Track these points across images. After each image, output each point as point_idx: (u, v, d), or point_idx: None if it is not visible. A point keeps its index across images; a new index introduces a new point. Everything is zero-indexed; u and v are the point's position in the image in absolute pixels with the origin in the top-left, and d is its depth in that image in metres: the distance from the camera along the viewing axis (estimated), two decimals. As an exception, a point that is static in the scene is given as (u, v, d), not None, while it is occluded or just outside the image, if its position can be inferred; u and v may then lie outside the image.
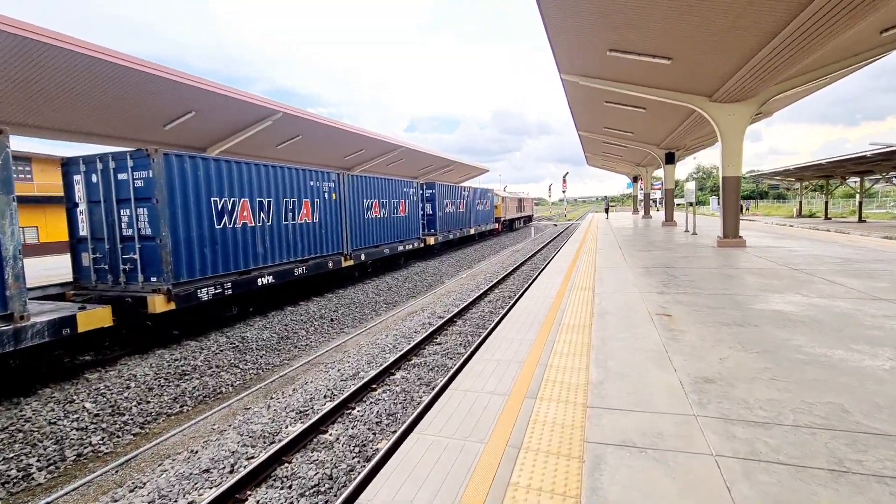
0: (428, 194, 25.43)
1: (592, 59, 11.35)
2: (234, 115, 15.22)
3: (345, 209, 15.87)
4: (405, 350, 9.08)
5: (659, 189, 41.31)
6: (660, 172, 34.61)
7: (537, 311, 7.54)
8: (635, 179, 40.54)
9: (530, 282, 15.08)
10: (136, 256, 9.44)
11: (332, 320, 12.53)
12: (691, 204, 17.80)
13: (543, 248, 26.59)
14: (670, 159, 22.22)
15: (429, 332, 10.33)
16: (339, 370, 8.60)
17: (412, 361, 8.84)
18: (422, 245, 22.76)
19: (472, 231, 31.65)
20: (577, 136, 25.08)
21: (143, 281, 9.45)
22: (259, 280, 11.97)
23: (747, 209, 50.84)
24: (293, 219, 13.42)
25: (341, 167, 25.05)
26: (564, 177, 54.40)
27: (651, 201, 46.98)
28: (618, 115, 17.82)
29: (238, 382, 8.68)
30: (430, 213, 25.57)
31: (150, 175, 9.25)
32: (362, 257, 16.80)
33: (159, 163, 9.28)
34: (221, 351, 9.69)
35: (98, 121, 13.48)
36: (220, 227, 10.87)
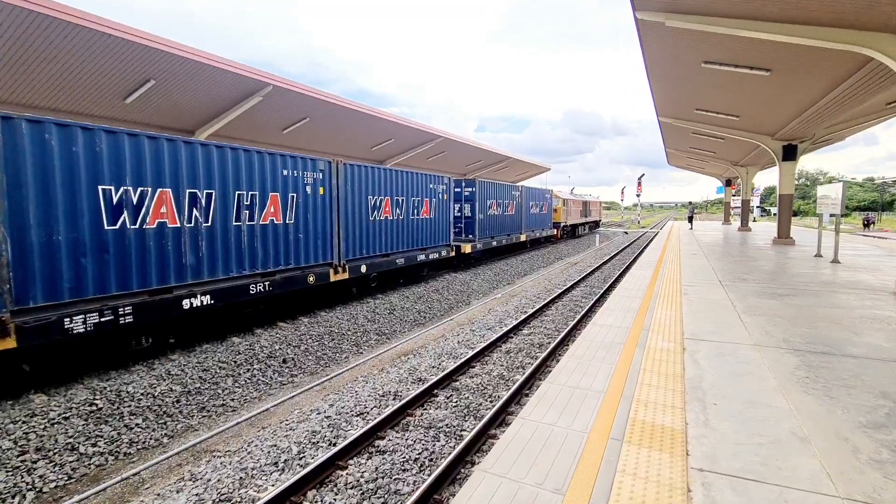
0: (467, 193, 21.55)
1: None
2: (206, 87, 12.26)
3: (338, 208, 12.34)
4: (340, 448, 5.29)
5: (757, 195, 34.28)
6: (761, 175, 28.10)
7: (577, 406, 3.35)
8: (728, 183, 33.88)
9: (576, 321, 10.68)
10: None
11: (283, 361, 9.03)
12: (834, 216, 12.36)
13: (607, 262, 21.65)
14: (790, 154, 16.58)
15: (399, 405, 6.43)
16: (206, 486, 4.96)
17: (344, 476, 5.02)
18: (452, 253, 18.83)
19: (524, 237, 27.27)
20: (654, 133, 19.93)
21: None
22: (186, 301, 8.69)
23: (872, 223, 41.72)
24: (252, 219, 10.05)
25: (368, 159, 21.77)
26: (640, 179, 48.21)
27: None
28: (720, 89, 12.83)
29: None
30: (469, 215, 21.68)
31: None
32: (362, 269, 13.19)
33: (-10, 127, 6.16)
34: (62, 421, 6.37)
35: (44, 91, 10.98)
36: (116, 227, 7.65)
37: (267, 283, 10.42)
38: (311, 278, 11.56)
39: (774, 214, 73.68)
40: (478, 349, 8.89)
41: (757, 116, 15.02)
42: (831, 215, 12.81)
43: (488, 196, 22.72)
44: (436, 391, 7.20)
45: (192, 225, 8.91)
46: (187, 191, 8.83)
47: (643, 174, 48.53)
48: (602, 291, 13.51)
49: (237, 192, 9.74)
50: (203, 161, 9.13)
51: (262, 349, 9.23)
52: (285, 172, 10.97)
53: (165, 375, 7.80)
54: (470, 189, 21.44)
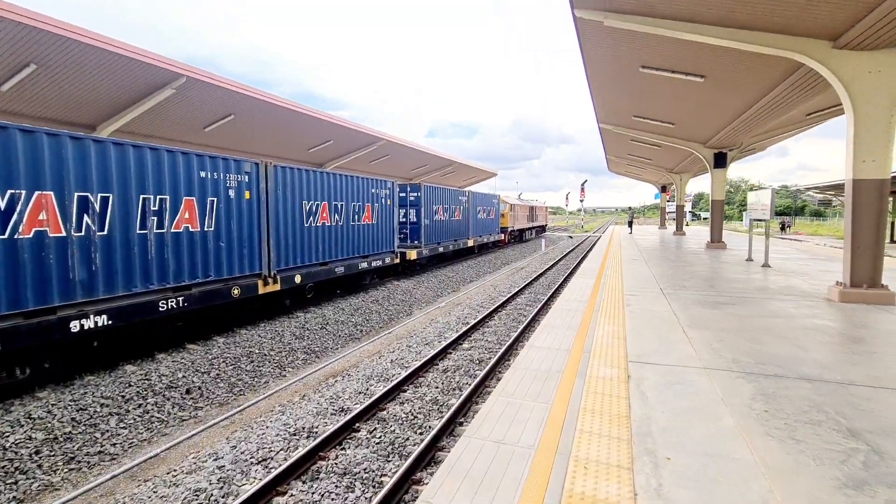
0: (412, 198, 20.63)
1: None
2: (104, 76, 10.57)
3: (268, 213, 11.05)
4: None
5: (689, 200, 35.60)
6: (693, 182, 29.12)
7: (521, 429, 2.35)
8: (664, 189, 34.99)
9: (524, 327, 9.98)
10: None
11: (186, 392, 7.67)
12: (759, 221, 12.42)
13: (553, 266, 21.36)
14: (720, 161, 16.88)
15: (310, 447, 5.34)
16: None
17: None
18: (396, 260, 17.78)
19: (471, 243, 26.64)
20: (596, 141, 19.91)
21: None
22: (75, 324, 7.20)
23: (789, 227, 44.64)
24: (161, 226, 8.68)
25: (306, 162, 20.31)
26: (582, 185, 49.19)
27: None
28: (656, 96, 12.67)
29: None
30: (414, 220, 20.75)
31: None
32: (296, 279, 11.92)
33: None
34: None
35: None
36: None
37: (180, 299, 9.03)
38: (236, 291, 10.23)
39: (705, 219, 77.99)
40: (412, 369, 7.93)
41: (691, 124, 15.09)
42: (755, 220, 12.96)
43: (435, 201, 21.87)
44: (358, 424, 6.16)
45: (83, 234, 7.47)
46: (76, 194, 7.39)
47: (586, 180, 49.64)
48: (546, 299, 12.96)
49: (142, 196, 8.36)
50: (97, 160, 7.68)
51: (160, 378, 7.81)
52: (203, 174, 9.62)
53: (24, 420, 6.27)
54: (415, 194, 20.52)
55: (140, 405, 7.12)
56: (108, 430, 6.51)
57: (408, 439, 5.84)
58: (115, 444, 6.30)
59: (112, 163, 7.87)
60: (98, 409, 6.83)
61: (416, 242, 20.35)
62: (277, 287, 11.30)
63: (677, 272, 11.27)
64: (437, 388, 7.42)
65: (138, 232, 8.24)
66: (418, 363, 8.27)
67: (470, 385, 7.28)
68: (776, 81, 9.91)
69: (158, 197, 8.62)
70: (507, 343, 9.07)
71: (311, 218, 12.63)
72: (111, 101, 11.43)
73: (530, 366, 4.65)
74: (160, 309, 8.59)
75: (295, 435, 6.00)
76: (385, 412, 6.59)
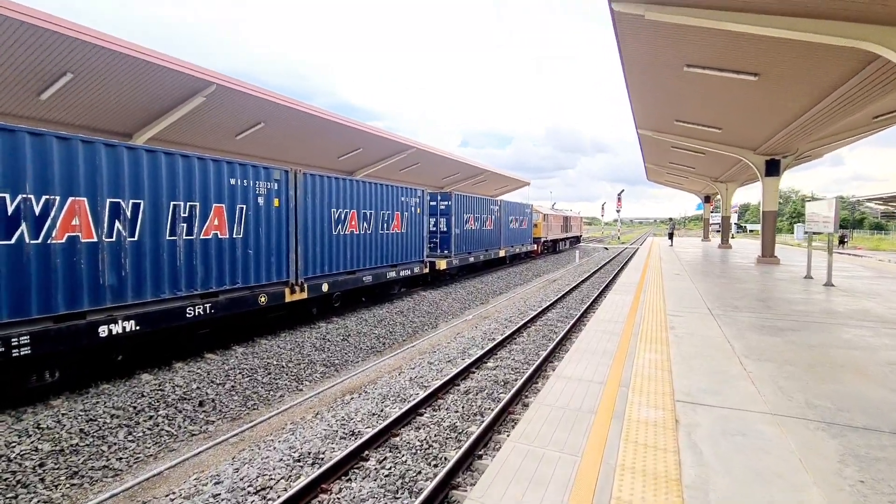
0: (443, 206, 20.10)
1: None
2: (136, 84, 10.64)
3: (296, 221, 10.83)
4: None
5: (735, 212, 33.45)
6: (738, 192, 27.20)
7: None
8: (707, 199, 32.99)
9: (550, 349, 9.16)
10: None
11: (199, 404, 7.34)
12: (814, 234, 11.08)
13: (587, 279, 20.27)
14: (773, 169, 15.44)
15: (312, 476, 4.80)
16: None
17: None
18: (425, 270, 17.25)
19: (502, 253, 25.81)
20: (633, 150, 18.83)
21: None
22: (103, 328, 7.14)
23: (846, 241, 41.17)
24: (190, 233, 8.58)
25: (336, 170, 20.20)
26: (619, 195, 47.47)
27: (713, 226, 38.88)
28: (702, 98, 11.64)
29: None
30: (445, 230, 20.19)
31: None
32: (323, 288, 11.59)
33: None
34: None
35: None
36: (11, 242, 6.20)
37: (208, 306, 8.87)
38: (263, 299, 9.99)
39: (751, 231, 73.55)
40: (431, 389, 7.30)
41: (740, 129, 13.85)
42: (813, 233, 11.58)
43: (465, 210, 21.28)
44: (367, 452, 5.58)
45: (114, 240, 7.40)
46: (108, 200, 7.36)
47: (623, 190, 47.77)
48: (579, 315, 12.04)
49: (172, 203, 8.25)
50: (130, 167, 7.62)
51: (175, 389, 7.51)
52: (233, 181, 9.47)
53: (33, 430, 6.06)
54: (446, 203, 19.99)
55: (151, 417, 6.82)
56: (115, 444, 6.21)
57: (419, 472, 5.20)
58: (120, 459, 5.99)
59: (144, 170, 7.81)
60: (108, 421, 6.56)
61: (445, 252, 19.78)
62: (304, 295, 11.01)
63: (726, 290, 10.14)
64: (456, 412, 6.74)
65: (168, 238, 8.14)
66: (439, 382, 7.63)
67: (493, 410, 6.58)
68: (843, 77, 8.74)
69: (189, 203, 8.50)
70: (535, 364, 8.29)
71: (340, 226, 12.32)
72: (145, 109, 11.56)
73: (557, 402, 3.93)
74: (187, 315, 8.43)
75: (299, 461, 5.48)
76: (398, 438, 5.98)
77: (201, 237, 8.73)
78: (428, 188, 18.55)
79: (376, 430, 5.94)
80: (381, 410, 6.86)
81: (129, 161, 7.60)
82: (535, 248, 31.76)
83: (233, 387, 8.01)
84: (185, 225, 8.41)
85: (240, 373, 8.44)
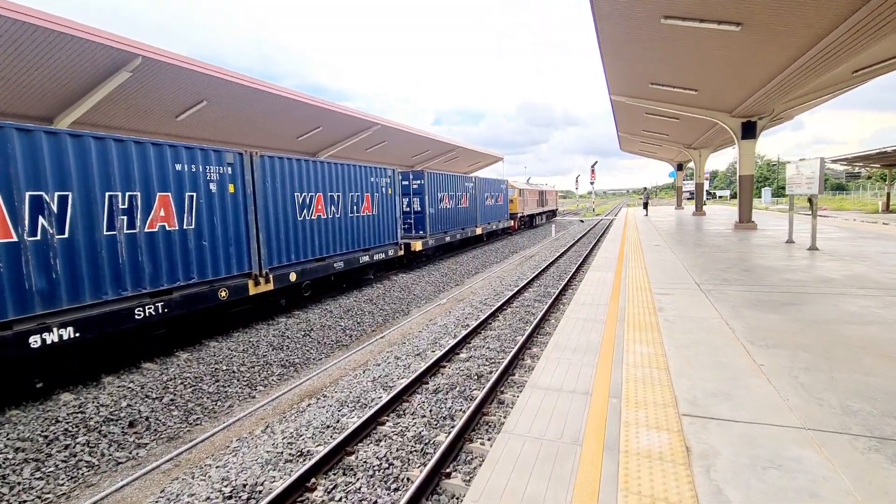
0: (415, 186, 18.92)
1: None
2: (44, 57, 9.00)
3: (255, 207, 9.67)
4: None
5: (707, 178, 33.00)
6: (714, 157, 26.61)
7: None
8: (679, 167, 32.46)
9: (527, 334, 8.27)
10: None
11: (129, 425, 6.22)
12: (809, 200, 10.36)
13: (564, 254, 19.50)
14: (749, 132, 14.67)
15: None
16: None
17: None
18: (400, 252, 16.18)
19: (479, 230, 24.85)
20: (605, 122, 17.84)
21: None
22: (35, 338, 6.31)
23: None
24: (132, 226, 7.46)
25: (297, 151, 18.66)
26: (593, 167, 46.81)
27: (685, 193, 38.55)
28: (679, 57, 10.63)
29: None
30: (419, 209, 19.07)
31: None
32: (291, 277, 10.54)
33: None
34: None
35: None
36: None
37: (160, 305, 7.81)
38: (224, 293, 8.93)
39: (720, 197, 74.09)
40: (396, 391, 6.33)
41: (717, 90, 12.93)
42: (790, 194, 10.86)
43: (439, 188, 20.13)
44: (314, 480, 4.58)
45: (38, 238, 6.30)
46: (27, 194, 6.19)
47: (596, 162, 47.03)
48: (556, 293, 11.17)
49: (107, 194, 7.14)
50: (51, 154, 6.44)
51: (99, 409, 6.35)
52: (179, 167, 8.30)
53: None
54: (418, 182, 18.80)
55: (67, 446, 5.68)
56: (17, 484, 5.08)
57: (375, 503, 4.25)
58: (24, 503, 4.88)
59: (69, 157, 6.64)
60: (11, 456, 5.40)
61: (421, 232, 18.72)
62: (270, 286, 9.95)
63: (711, 260, 9.35)
64: (423, 417, 5.79)
65: (105, 234, 7.06)
66: (405, 382, 6.66)
67: (465, 413, 5.66)
68: (834, 23, 7.80)
69: (128, 194, 7.38)
70: (504, 363, 7.39)
71: (305, 211, 11.20)
72: (63, 88, 9.90)
73: (530, 429, 2.96)
74: (136, 317, 7.40)
75: (231, 498, 4.46)
76: (354, 457, 4.99)
77: (146, 230, 7.64)
78: (398, 167, 17.33)
79: (328, 448, 4.94)
80: (338, 421, 5.86)
81: (51, 148, 6.43)
82: (513, 223, 30.89)
83: (172, 400, 6.88)
84: (125, 218, 7.32)
85: (181, 383, 7.29)
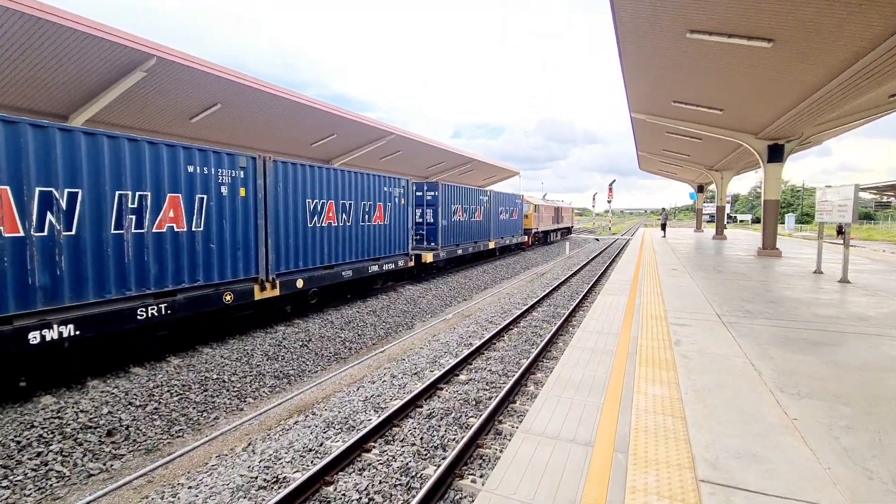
0: (429, 197, 18.62)
1: None
2: (58, 55, 9.00)
3: (266, 212, 9.58)
4: None
5: (729, 202, 31.93)
6: (735, 180, 25.69)
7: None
8: (700, 189, 31.52)
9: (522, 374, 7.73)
10: None
11: (107, 434, 5.89)
12: (840, 229, 9.64)
13: (576, 273, 18.86)
14: (776, 155, 13.95)
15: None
16: None
17: None
18: (410, 263, 15.81)
19: (492, 244, 24.37)
20: (625, 141, 17.29)
21: None
22: (34, 334, 6.08)
23: (844, 232, 39.81)
24: (140, 226, 7.36)
25: (310, 158, 18.57)
26: (611, 185, 46.04)
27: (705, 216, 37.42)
28: (703, 74, 10.13)
29: None
30: (431, 221, 18.74)
31: None
32: (298, 284, 10.34)
33: None
34: None
35: None
36: None
37: (163, 306, 7.64)
38: (229, 297, 8.79)
39: (741, 221, 71.98)
40: (387, 413, 5.87)
41: (743, 110, 12.31)
42: (820, 222, 10.15)
43: (453, 200, 19.79)
44: (284, 515, 4.15)
45: (46, 234, 6.25)
46: (37, 189, 6.14)
47: (614, 180, 46.18)
48: (566, 314, 10.61)
49: (117, 193, 7.02)
50: (64, 151, 6.39)
51: (78, 415, 6.05)
52: (191, 169, 8.23)
53: None
54: (432, 193, 18.50)
55: (39, 454, 5.37)
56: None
57: (349, 547, 3.78)
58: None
59: (82, 155, 6.59)
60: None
61: (432, 244, 18.36)
62: (276, 292, 9.74)
63: (732, 289, 8.70)
64: (413, 445, 5.31)
65: (113, 232, 6.98)
66: (398, 403, 6.20)
67: (458, 443, 5.17)
68: (874, 41, 7.22)
69: (138, 193, 7.30)
70: (505, 388, 6.86)
71: (316, 217, 11.02)
72: (78, 86, 9.90)
73: (516, 491, 2.47)
74: (139, 317, 7.26)
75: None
76: (332, 488, 4.55)
77: (154, 231, 7.53)
78: (413, 178, 17.06)
79: (305, 477, 4.51)
80: (321, 444, 5.42)
81: (63, 144, 6.39)
82: (526, 239, 30.32)
83: (156, 409, 6.55)
84: (133, 217, 7.23)
85: (168, 391, 6.97)
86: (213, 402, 6.99)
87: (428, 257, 17.26)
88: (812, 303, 7.36)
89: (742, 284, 9.10)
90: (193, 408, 6.77)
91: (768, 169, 14.20)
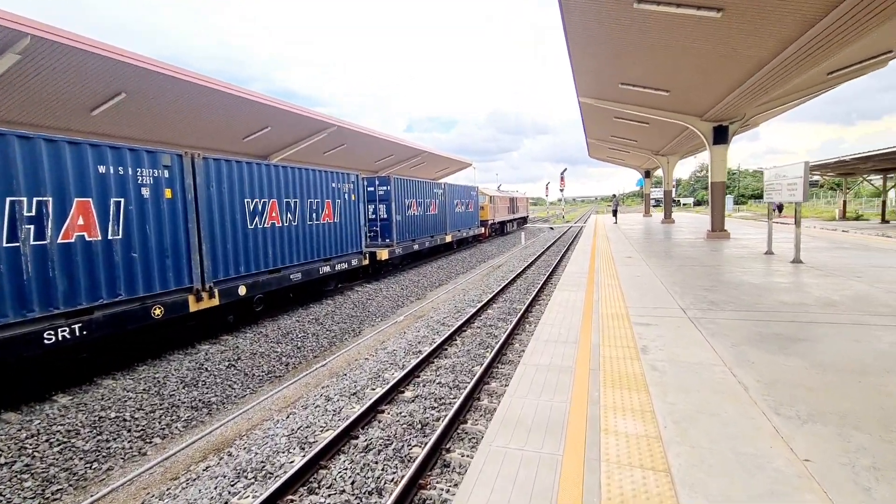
0: (381, 192, 17.41)
1: None
2: None
3: (198, 215, 8.32)
4: None
5: (674, 186, 32.44)
6: (676, 166, 25.99)
7: None
8: (647, 174, 31.86)
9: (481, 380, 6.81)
10: None
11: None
12: (779, 207, 9.33)
13: (532, 264, 18.25)
14: (721, 137, 13.72)
15: None
16: None
17: None
18: (365, 262, 14.61)
19: (449, 238, 23.45)
20: (574, 131, 16.73)
21: None
22: None
23: (781, 209, 41.68)
24: (41, 236, 6.13)
25: (246, 154, 16.81)
26: (562, 174, 46.10)
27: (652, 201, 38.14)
28: (651, 52, 9.48)
29: None
30: (385, 217, 17.56)
31: None
32: (240, 291, 9.10)
33: None
34: None
35: None
36: None
37: (77, 327, 6.36)
38: (158, 311, 7.49)
39: (684, 205, 74.61)
40: (315, 451, 4.76)
41: (690, 90, 11.85)
42: (769, 202, 9.88)
43: (407, 195, 18.64)
44: None
45: None
46: None
47: (565, 169, 46.15)
48: (523, 309, 9.80)
49: (9, 200, 5.81)
50: None
51: None
52: (102, 169, 6.87)
53: None
54: (384, 187, 17.27)
55: None
56: None
57: None
58: None
59: None
60: None
61: (387, 241, 17.20)
62: (216, 302, 8.51)
63: (691, 276, 8.11)
64: (342, 492, 4.24)
65: (5, 245, 5.77)
66: (330, 436, 5.09)
67: (397, 485, 4.15)
68: (825, 9, 6.70)
69: (35, 199, 6.04)
70: (456, 405, 5.91)
71: (257, 218, 9.76)
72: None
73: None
74: (46, 341, 6.01)
75: None
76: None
77: (59, 241, 6.28)
78: (362, 173, 15.75)
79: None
80: (228, 502, 4.26)
81: None
82: (483, 231, 29.60)
83: (28, 466, 5.12)
84: (31, 227, 6.01)
85: (48, 440, 5.53)
86: (108, 449, 5.61)
87: (383, 254, 16.12)
88: (773, 288, 6.82)
89: (699, 271, 8.55)
90: (80, 458, 5.38)
91: (714, 151, 13.96)
